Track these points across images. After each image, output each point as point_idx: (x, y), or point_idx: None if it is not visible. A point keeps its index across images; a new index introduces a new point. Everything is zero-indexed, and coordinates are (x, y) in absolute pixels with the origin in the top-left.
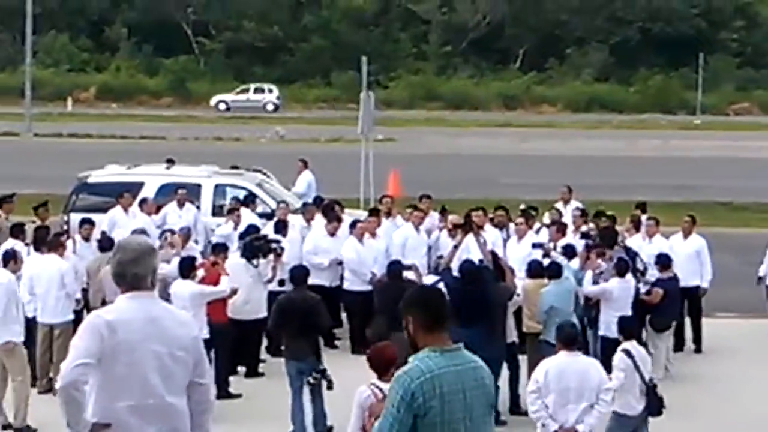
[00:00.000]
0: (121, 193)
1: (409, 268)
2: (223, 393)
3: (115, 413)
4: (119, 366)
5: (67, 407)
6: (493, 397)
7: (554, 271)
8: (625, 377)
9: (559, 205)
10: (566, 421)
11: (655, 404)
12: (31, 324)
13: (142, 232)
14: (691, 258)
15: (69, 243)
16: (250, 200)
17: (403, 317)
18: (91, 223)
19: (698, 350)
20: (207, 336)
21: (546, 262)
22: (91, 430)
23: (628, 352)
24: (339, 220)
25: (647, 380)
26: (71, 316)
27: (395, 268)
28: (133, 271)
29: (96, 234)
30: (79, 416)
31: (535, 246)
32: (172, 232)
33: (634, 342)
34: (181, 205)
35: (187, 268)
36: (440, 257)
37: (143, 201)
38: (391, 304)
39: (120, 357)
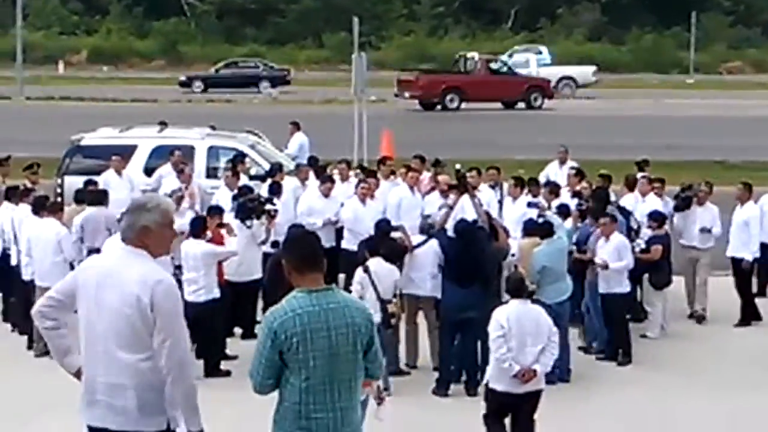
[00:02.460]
0: (111, 155)
1: (396, 228)
2: (220, 355)
3: (82, 355)
4: (81, 309)
5: (45, 339)
6: (366, 336)
7: (546, 231)
8: (361, 289)
9: (555, 165)
10: (526, 363)
11: (386, 319)
12: (29, 286)
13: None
14: (740, 227)
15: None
16: (239, 161)
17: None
18: (96, 184)
19: None
20: (218, 296)
21: (540, 221)
22: (76, 372)
23: (366, 268)
24: (332, 180)
25: (381, 296)
26: None
27: (383, 226)
28: (121, 224)
29: None
30: (56, 354)
31: (530, 205)
32: (186, 187)
33: (379, 259)
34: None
35: (198, 228)
36: (427, 217)
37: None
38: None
39: (81, 301)
